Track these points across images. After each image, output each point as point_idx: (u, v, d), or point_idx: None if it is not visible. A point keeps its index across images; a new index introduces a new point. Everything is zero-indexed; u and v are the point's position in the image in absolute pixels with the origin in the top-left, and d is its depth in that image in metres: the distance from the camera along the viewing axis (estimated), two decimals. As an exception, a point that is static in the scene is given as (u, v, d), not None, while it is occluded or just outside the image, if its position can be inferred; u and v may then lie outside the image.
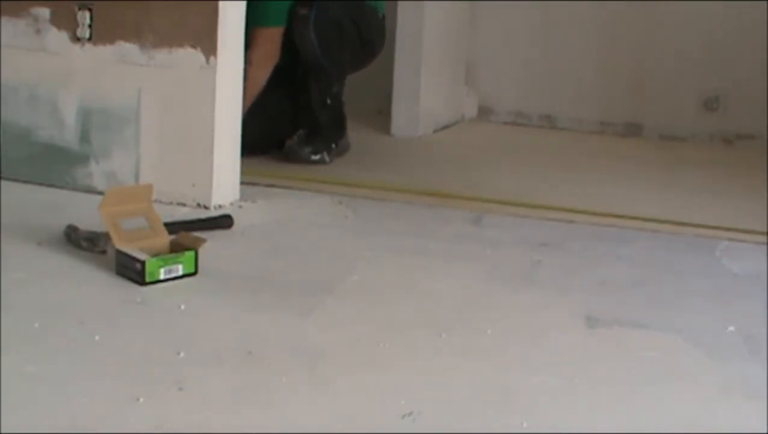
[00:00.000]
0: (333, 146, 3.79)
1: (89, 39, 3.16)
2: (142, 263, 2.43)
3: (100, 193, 2.83)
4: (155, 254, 2.50)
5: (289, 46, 3.69)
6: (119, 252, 2.50)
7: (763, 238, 3.08)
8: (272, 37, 3.67)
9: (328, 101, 3.79)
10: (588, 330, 2.34)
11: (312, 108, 3.79)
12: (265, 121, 3.60)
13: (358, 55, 3.82)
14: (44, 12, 3.19)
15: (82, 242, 2.64)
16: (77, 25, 3.16)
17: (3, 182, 3.17)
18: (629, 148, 4.47)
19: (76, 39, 3.17)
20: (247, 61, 3.46)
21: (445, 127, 4.59)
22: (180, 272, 2.49)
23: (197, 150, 3.10)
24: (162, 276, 2.46)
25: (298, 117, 3.84)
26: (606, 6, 4.60)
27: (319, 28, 3.64)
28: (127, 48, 3.12)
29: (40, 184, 3.20)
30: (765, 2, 4.37)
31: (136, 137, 3.13)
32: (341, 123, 3.85)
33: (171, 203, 3.07)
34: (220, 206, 3.10)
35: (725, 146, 4.55)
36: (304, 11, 3.63)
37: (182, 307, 2.33)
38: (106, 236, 2.59)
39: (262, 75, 3.67)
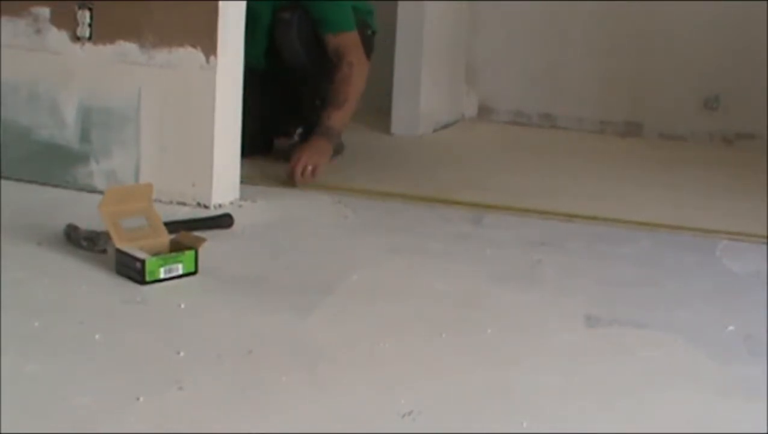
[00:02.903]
0: None
1: (89, 38, 3.16)
2: (142, 262, 2.44)
3: (100, 192, 2.83)
4: (155, 254, 2.50)
5: (274, 49, 3.68)
6: (119, 251, 2.50)
7: (763, 237, 3.08)
8: (357, 39, 3.68)
9: (318, 103, 3.77)
10: (588, 329, 2.34)
11: (303, 110, 3.78)
12: (257, 122, 3.57)
13: None
14: (44, 11, 3.19)
15: (82, 241, 2.64)
16: (77, 25, 3.16)
17: (3, 181, 3.17)
18: (629, 147, 4.47)
19: (76, 38, 3.17)
20: (348, 65, 3.59)
21: (446, 126, 4.59)
22: (180, 272, 2.49)
23: (197, 150, 3.10)
24: (162, 275, 2.46)
25: (290, 118, 3.83)
26: (606, 5, 4.60)
27: (302, 32, 3.63)
28: (127, 47, 3.12)
29: (40, 183, 3.20)
30: (765, 2, 4.37)
31: (136, 137, 3.13)
32: None
33: (171, 203, 3.07)
34: (220, 206, 3.10)
35: (725, 145, 4.55)
36: (286, 15, 3.61)
37: (182, 306, 2.33)
38: (106, 236, 2.59)
39: (365, 76, 3.68)
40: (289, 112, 3.85)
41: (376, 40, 3.90)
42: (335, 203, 3.24)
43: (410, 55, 4.33)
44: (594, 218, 3.23)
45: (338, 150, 3.89)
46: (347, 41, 3.65)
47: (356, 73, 3.61)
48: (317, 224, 3.05)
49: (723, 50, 4.50)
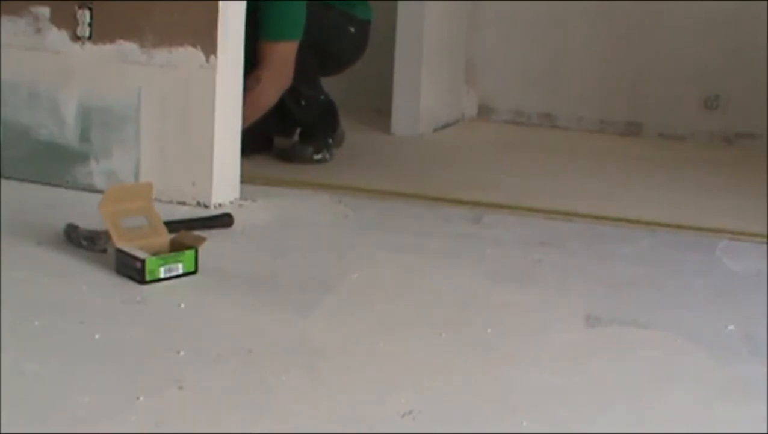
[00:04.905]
0: (329, 141, 3.79)
1: (89, 38, 3.16)
2: (142, 261, 2.44)
3: (100, 192, 2.83)
4: (155, 253, 2.50)
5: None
6: (119, 251, 2.50)
7: (763, 237, 3.07)
8: (285, 52, 3.49)
9: (303, 103, 3.72)
10: (588, 329, 2.34)
11: (291, 111, 3.75)
12: (258, 120, 3.55)
13: (325, 64, 3.73)
14: (44, 11, 3.19)
15: (82, 240, 2.64)
16: (77, 24, 3.16)
17: (3, 180, 3.17)
18: (629, 147, 4.47)
19: (77, 38, 3.17)
20: (255, 78, 3.40)
21: (445, 126, 4.59)
22: (180, 271, 2.49)
23: (197, 149, 3.10)
24: (162, 275, 2.46)
25: (287, 117, 3.80)
26: (606, 5, 4.60)
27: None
28: (127, 47, 3.12)
29: (40, 183, 3.20)
30: (765, 2, 4.37)
31: (136, 136, 3.13)
32: (330, 116, 3.82)
33: (171, 202, 3.07)
34: (220, 205, 3.10)
35: (725, 144, 4.55)
36: (247, 28, 3.32)
37: (182, 306, 2.33)
38: (106, 235, 2.59)
39: (273, 96, 3.52)
40: (286, 112, 3.83)
41: (377, 39, 3.89)
42: (335, 203, 3.24)
43: (410, 55, 4.33)
44: (594, 217, 3.23)
45: (339, 141, 3.89)
46: (266, 52, 3.45)
47: (259, 90, 3.41)
48: (317, 223, 3.05)
49: (723, 50, 4.50)
